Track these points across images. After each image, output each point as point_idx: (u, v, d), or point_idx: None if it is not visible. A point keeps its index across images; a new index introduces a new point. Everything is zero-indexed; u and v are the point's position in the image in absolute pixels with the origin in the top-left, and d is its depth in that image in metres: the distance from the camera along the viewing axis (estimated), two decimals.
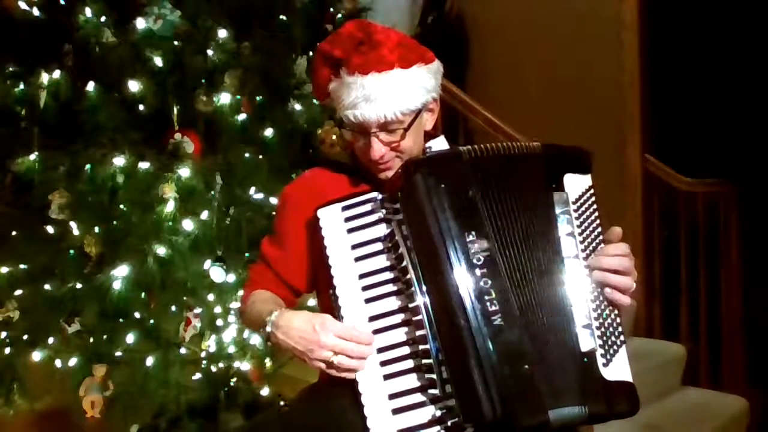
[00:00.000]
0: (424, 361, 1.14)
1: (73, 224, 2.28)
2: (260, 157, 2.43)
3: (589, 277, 1.18)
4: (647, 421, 2.66)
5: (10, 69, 2.37)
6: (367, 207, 1.23)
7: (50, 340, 2.35)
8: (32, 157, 2.31)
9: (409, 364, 1.16)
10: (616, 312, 1.20)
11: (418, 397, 1.15)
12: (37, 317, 2.34)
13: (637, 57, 3.49)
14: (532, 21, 3.92)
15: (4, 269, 2.36)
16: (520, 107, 3.75)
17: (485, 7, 4.20)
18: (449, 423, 1.12)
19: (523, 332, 1.13)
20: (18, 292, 2.36)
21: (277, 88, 2.55)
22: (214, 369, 2.38)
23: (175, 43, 2.29)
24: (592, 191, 1.23)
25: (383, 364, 1.16)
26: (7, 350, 2.38)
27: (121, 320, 2.28)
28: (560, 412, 1.11)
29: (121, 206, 2.23)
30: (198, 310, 2.31)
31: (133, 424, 2.31)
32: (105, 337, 2.29)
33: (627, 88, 3.51)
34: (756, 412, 3.07)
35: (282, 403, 2.42)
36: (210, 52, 2.33)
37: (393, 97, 1.24)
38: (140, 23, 2.25)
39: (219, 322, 2.37)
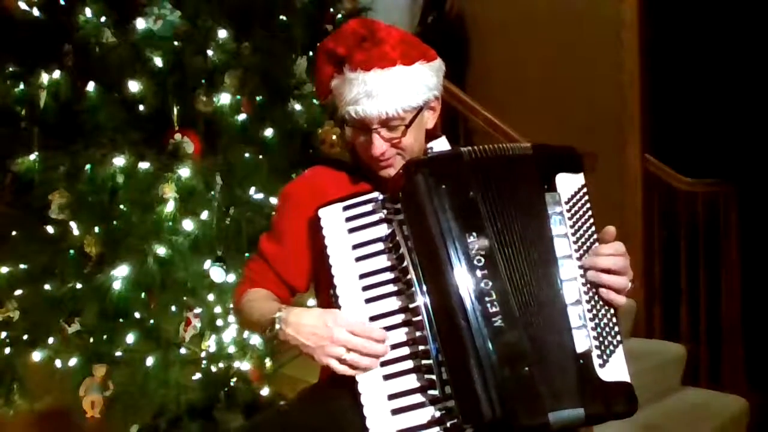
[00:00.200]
0: (424, 361, 1.14)
1: (73, 224, 2.28)
2: (260, 157, 2.43)
3: (583, 278, 1.18)
4: (647, 421, 2.66)
5: (10, 69, 2.37)
6: (368, 207, 1.23)
7: (50, 340, 2.35)
8: (32, 157, 2.30)
9: (409, 364, 1.16)
10: (612, 312, 1.19)
11: (418, 398, 1.15)
12: (37, 317, 2.34)
13: (637, 56, 3.49)
14: (532, 21, 3.92)
15: (4, 269, 2.36)
16: (520, 107, 3.75)
17: (485, 6, 4.20)
18: (448, 424, 1.12)
19: (523, 333, 1.13)
20: (18, 292, 2.36)
21: (277, 88, 2.56)
22: (214, 369, 2.38)
23: (175, 43, 2.29)
24: (585, 191, 1.22)
25: (383, 364, 1.16)
26: (7, 350, 2.38)
27: (121, 320, 2.28)
28: (559, 414, 1.11)
29: (121, 206, 2.22)
30: (198, 310, 2.31)
31: (133, 424, 2.32)
32: (105, 337, 2.29)
33: (627, 88, 3.52)
34: (756, 412, 3.07)
35: (282, 402, 2.42)
36: (210, 52, 2.33)
37: (394, 93, 1.24)
38: (140, 23, 2.25)
39: (219, 322, 2.37)
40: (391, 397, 1.15)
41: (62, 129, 2.31)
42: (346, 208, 1.24)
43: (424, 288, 1.14)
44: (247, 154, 2.38)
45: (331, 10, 2.78)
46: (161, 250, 2.20)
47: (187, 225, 2.23)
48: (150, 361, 2.25)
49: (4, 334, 2.38)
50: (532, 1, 3.94)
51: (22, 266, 2.36)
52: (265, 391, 2.47)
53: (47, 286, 2.32)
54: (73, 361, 2.31)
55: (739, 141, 3.81)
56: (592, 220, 1.21)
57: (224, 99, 2.33)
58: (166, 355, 2.26)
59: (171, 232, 2.20)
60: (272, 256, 1.40)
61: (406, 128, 1.27)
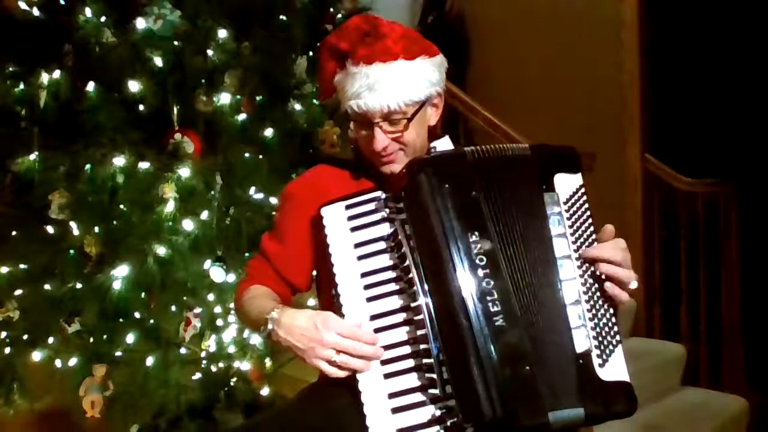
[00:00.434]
0: (425, 360, 1.14)
1: (73, 224, 2.27)
2: (260, 157, 2.42)
3: (582, 278, 1.18)
4: (647, 421, 2.66)
5: (10, 69, 2.37)
6: (371, 206, 1.23)
7: (50, 340, 2.34)
8: (32, 157, 2.30)
9: (410, 363, 1.16)
10: (612, 312, 1.19)
11: (418, 397, 1.15)
12: (37, 317, 2.33)
13: (637, 56, 3.50)
14: (533, 21, 3.92)
15: (4, 269, 2.36)
16: (520, 107, 3.75)
17: (485, 6, 4.20)
18: (449, 423, 1.12)
19: (524, 333, 1.13)
20: (18, 292, 2.36)
21: (277, 88, 2.56)
22: (214, 369, 2.38)
23: (175, 43, 2.29)
24: (583, 191, 1.22)
25: (383, 363, 1.16)
26: (7, 350, 2.38)
27: (121, 320, 2.28)
28: (559, 414, 1.11)
29: (121, 206, 2.22)
30: (198, 310, 2.31)
31: (133, 424, 2.31)
32: (105, 337, 2.29)
33: (627, 88, 3.52)
34: (756, 412, 3.07)
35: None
36: (210, 52, 2.33)
37: (396, 86, 1.25)
38: (140, 23, 2.25)
39: (219, 322, 2.37)
40: (392, 395, 1.15)
41: (62, 129, 2.31)
42: (348, 207, 1.24)
43: (426, 287, 1.14)
44: (247, 154, 2.38)
45: (331, 9, 2.78)
46: (161, 250, 2.20)
47: (187, 225, 2.23)
48: (150, 361, 2.25)
49: (4, 334, 2.38)
50: (532, 1, 3.94)
51: (22, 266, 2.36)
52: (265, 391, 2.47)
53: (47, 286, 2.31)
54: (73, 361, 2.31)
55: (739, 141, 3.81)
56: (590, 220, 1.22)
57: (224, 99, 2.33)
58: (166, 355, 2.26)
59: (171, 232, 2.20)
60: (274, 255, 1.40)
61: (408, 122, 1.27)
